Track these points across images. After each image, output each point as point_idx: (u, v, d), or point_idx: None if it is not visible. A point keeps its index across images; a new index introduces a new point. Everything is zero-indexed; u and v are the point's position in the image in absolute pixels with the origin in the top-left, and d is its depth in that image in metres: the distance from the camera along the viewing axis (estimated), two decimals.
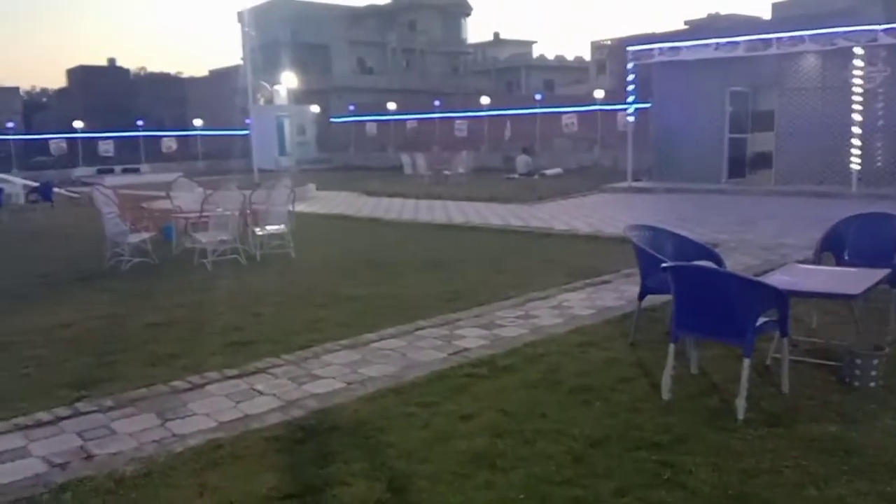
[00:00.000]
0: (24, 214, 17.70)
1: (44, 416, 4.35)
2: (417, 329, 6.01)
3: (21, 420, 4.29)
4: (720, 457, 3.59)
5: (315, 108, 41.50)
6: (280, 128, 37.77)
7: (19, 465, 3.73)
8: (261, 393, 4.64)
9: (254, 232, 10.04)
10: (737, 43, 17.31)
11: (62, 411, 4.41)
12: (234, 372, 5.03)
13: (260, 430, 4.03)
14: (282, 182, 11.17)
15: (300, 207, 13.52)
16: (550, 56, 66.02)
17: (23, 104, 68.10)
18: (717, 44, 17.71)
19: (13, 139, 34.13)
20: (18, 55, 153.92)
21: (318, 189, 20.38)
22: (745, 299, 4.26)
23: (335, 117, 42.97)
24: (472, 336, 5.78)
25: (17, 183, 21.57)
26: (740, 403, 4.06)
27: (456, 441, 3.82)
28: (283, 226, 10.20)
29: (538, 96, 33.36)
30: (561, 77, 60.75)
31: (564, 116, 30.97)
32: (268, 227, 10.14)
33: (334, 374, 4.96)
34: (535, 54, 67.52)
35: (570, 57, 67.08)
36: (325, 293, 7.66)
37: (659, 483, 3.34)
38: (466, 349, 5.42)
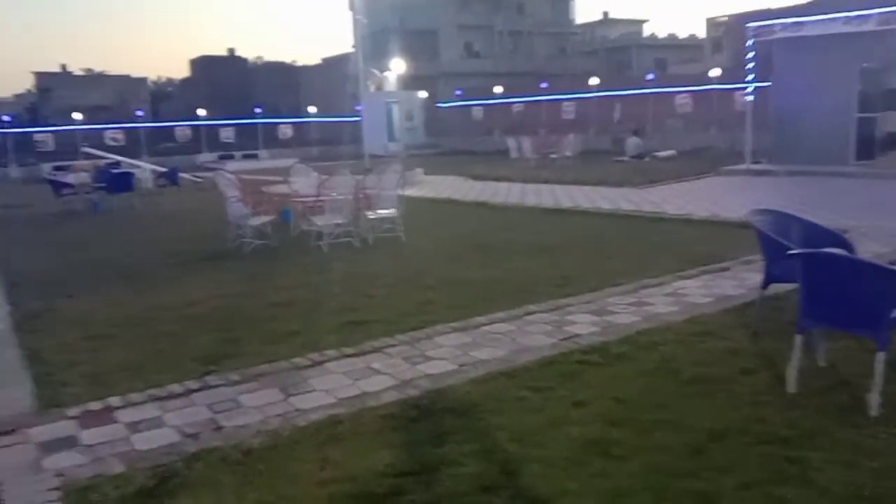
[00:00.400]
0: (153, 198, 18.85)
1: (176, 388, 4.64)
2: (527, 314, 5.99)
3: (155, 391, 4.59)
4: (851, 455, 3.40)
5: (423, 94, 41.92)
6: (389, 114, 38.42)
7: (155, 434, 4.00)
8: (377, 371, 4.78)
9: (366, 216, 10.29)
10: (868, 16, 16.08)
11: (192, 384, 4.69)
12: (351, 350, 5.19)
13: (376, 408, 4.15)
14: (392, 167, 11.37)
15: (409, 192, 13.73)
16: (662, 34, 63.82)
17: (150, 93, 72.42)
18: (846, 17, 16.54)
19: (142, 126, 36.36)
20: (146, 47, 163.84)
21: (425, 173, 20.63)
22: (880, 289, 4.00)
23: (442, 102, 43.28)
24: (583, 322, 5.71)
25: (146, 168, 23.02)
26: (873, 399, 3.82)
27: (569, 427, 3.80)
28: (393, 210, 10.39)
29: (650, 76, 32.34)
30: (673, 56, 58.64)
31: (678, 96, 29.93)
32: (379, 211, 10.37)
33: (446, 356, 5.03)
34: (646, 33, 65.45)
35: (682, 35, 64.61)
36: (434, 276, 7.76)
37: (785, 479, 3.21)
38: (577, 335, 5.36)
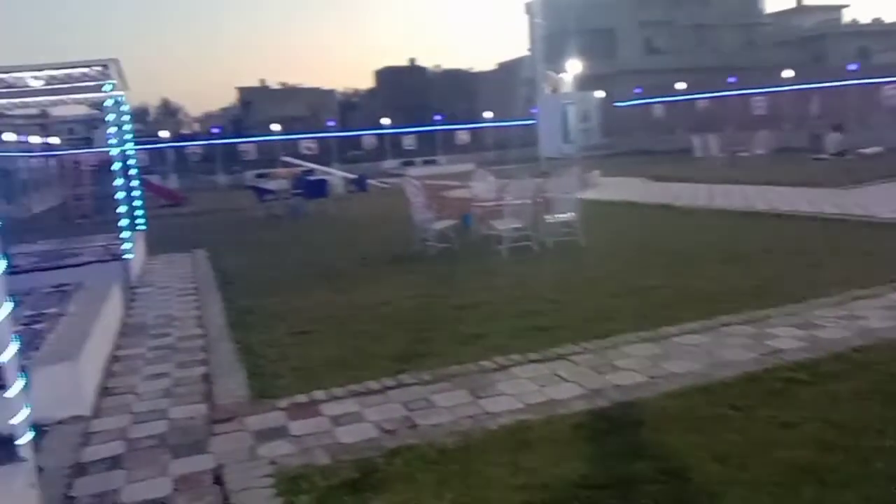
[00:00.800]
0: (344, 203, 19.96)
1: (373, 384, 4.89)
2: (722, 325, 5.68)
3: (355, 387, 4.86)
4: None
5: (599, 94, 41.15)
6: (565, 115, 38.08)
7: (356, 429, 4.23)
8: (564, 379, 4.74)
9: (545, 219, 10.25)
10: None
11: (388, 381, 4.92)
12: (537, 356, 5.19)
13: (566, 417, 4.12)
14: (569, 169, 11.25)
15: (587, 194, 13.52)
16: (865, 20, 58.10)
17: (338, 104, 77.02)
18: None
19: (332, 136, 38.75)
20: (334, 61, 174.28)
21: (602, 175, 20.20)
22: None
23: (619, 101, 42.23)
24: (785, 336, 5.31)
25: (337, 175, 24.46)
26: None
27: (776, 450, 3.55)
28: (572, 213, 10.27)
29: (852, 66, 29.52)
30: (878, 43, 53.09)
31: (886, 87, 27.07)
32: (558, 215, 10.29)
33: (635, 367, 4.89)
34: (846, 19, 59.90)
35: (889, 19, 58.45)
36: (617, 282, 7.58)
37: None
38: (780, 350, 5.00)
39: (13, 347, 3.31)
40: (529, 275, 8.37)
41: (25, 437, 3.34)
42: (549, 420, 4.08)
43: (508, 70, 56.81)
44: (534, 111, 37.05)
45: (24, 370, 3.38)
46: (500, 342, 5.64)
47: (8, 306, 3.28)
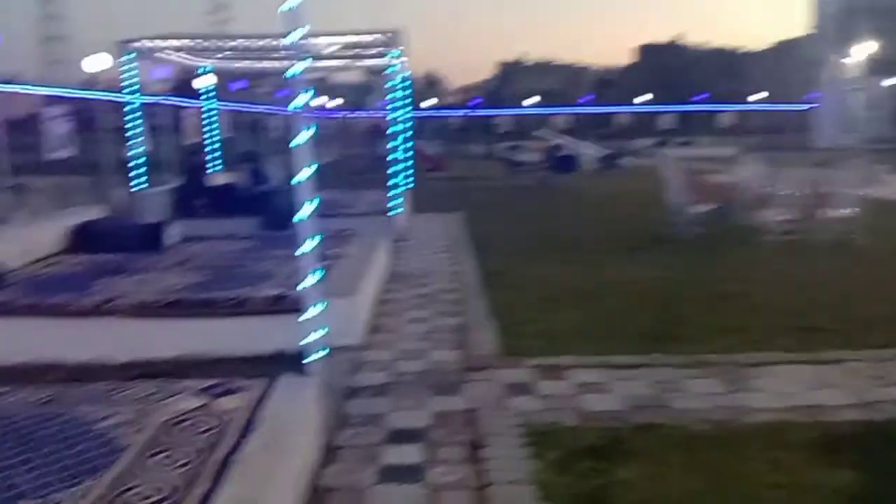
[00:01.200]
0: (595, 179, 19.86)
1: (620, 359, 4.87)
2: None
3: (602, 359, 4.88)
4: None
5: (893, 81, 36.30)
6: (850, 102, 34.20)
7: (603, 398, 4.27)
8: (833, 385, 4.36)
9: (818, 214, 9.37)
10: None
11: (636, 359, 4.86)
12: (804, 357, 4.81)
13: (834, 424, 3.81)
14: (852, 162, 10.15)
15: (870, 191, 12.06)
16: None
17: (594, 81, 76.14)
18: None
19: (583, 111, 38.58)
20: (594, 36, 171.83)
21: (891, 172, 17.82)
22: None
23: None
24: None
25: (588, 151, 24.32)
26: None
27: None
28: (851, 210, 9.27)
29: None
30: None
31: None
32: (835, 211, 9.35)
33: None
34: None
35: None
36: None
37: None
38: None
39: (315, 276, 3.79)
40: (796, 271, 7.71)
41: (318, 355, 3.82)
42: (815, 425, 3.79)
43: (783, 50, 52.25)
44: (812, 96, 33.76)
45: (324, 298, 3.85)
46: (760, 338, 5.31)
47: (315, 240, 3.76)
